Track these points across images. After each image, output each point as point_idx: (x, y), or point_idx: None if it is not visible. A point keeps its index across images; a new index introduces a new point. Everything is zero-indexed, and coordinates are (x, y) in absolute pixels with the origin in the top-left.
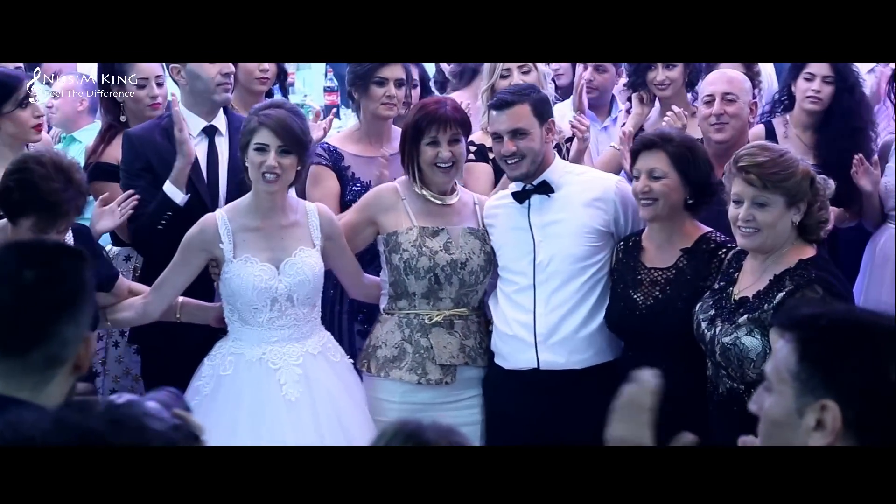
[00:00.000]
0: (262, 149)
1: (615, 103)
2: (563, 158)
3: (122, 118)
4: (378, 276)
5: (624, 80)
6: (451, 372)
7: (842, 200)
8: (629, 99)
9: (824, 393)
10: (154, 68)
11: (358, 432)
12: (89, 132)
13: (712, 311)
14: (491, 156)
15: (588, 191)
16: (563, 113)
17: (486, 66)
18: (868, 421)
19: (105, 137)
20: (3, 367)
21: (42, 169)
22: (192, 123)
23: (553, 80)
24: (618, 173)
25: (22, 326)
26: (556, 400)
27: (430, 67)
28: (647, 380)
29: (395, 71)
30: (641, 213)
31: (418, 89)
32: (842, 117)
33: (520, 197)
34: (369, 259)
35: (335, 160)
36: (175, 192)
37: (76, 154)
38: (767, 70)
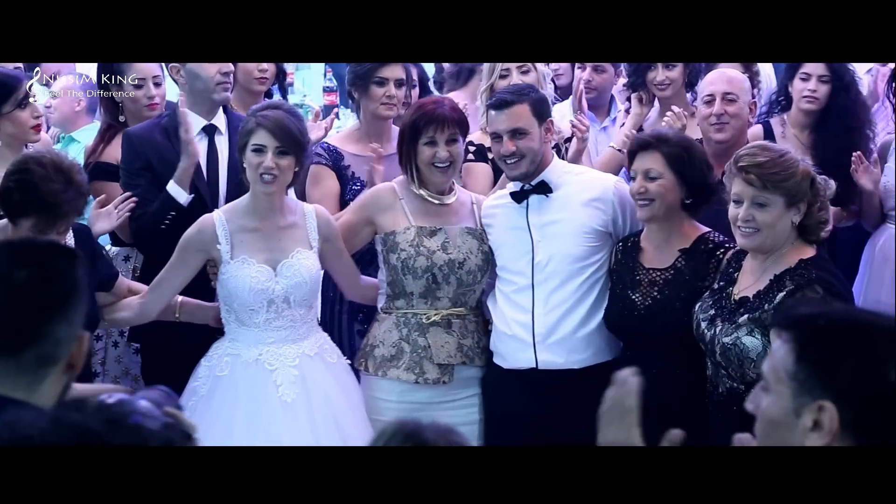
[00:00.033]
0: (259, 150)
1: (614, 103)
2: (562, 159)
3: (121, 118)
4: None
5: (623, 80)
6: (449, 371)
7: (839, 200)
8: (628, 99)
9: (822, 393)
10: (151, 69)
11: (354, 433)
12: (88, 132)
13: (712, 311)
14: (490, 156)
15: (586, 191)
16: (563, 113)
17: (486, 66)
18: (865, 422)
19: (104, 137)
20: None
21: (42, 170)
22: (192, 122)
23: (552, 80)
24: (617, 174)
25: (14, 326)
26: (555, 399)
27: (430, 67)
28: (627, 381)
29: (395, 71)
30: (638, 213)
31: (417, 89)
32: (838, 116)
33: (518, 197)
34: (369, 259)
35: (335, 160)
36: (179, 193)
37: (75, 154)
38: (766, 70)
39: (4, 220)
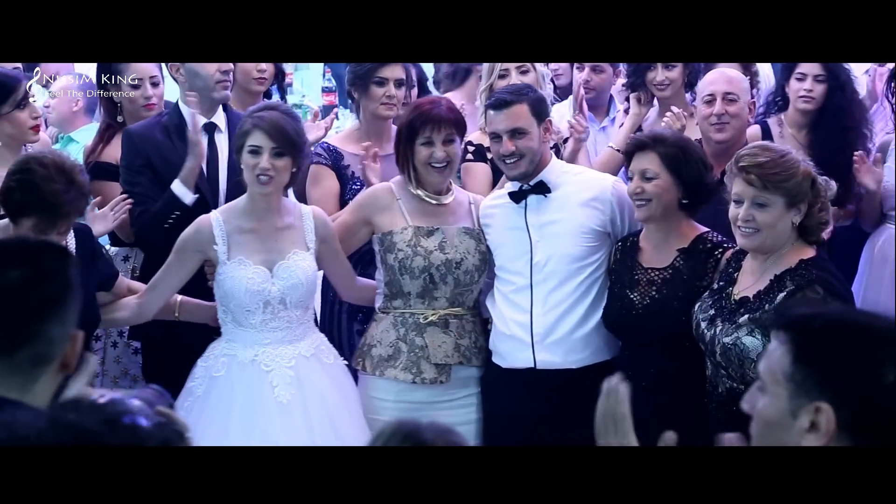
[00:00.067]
0: (255, 151)
1: (613, 103)
2: (560, 159)
3: (119, 118)
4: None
5: (622, 80)
6: (446, 371)
7: (836, 199)
8: (627, 99)
9: (818, 395)
10: (149, 69)
11: (350, 434)
12: (87, 132)
13: (712, 311)
14: (489, 156)
15: (585, 191)
16: (563, 113)
17: (485, 66)
18: (862, 423)
19: (104, 137)
20: None
21: (44, 170)
22: (199, 122)
23: (552, 80)
24: (616, 174)
25: (7, 326)
26: (554, 399)
27: (430, 67)
28: (618, 389)
29: (395, 71)
30: (636, 213)
31: (416, 89)
32: (834, 116)
33: (516, 197)
34: (369, 259)
35: (335, 160)
36: (184, 192)
37: (74, 154)
38: (765, 70)
39: (6, 220)
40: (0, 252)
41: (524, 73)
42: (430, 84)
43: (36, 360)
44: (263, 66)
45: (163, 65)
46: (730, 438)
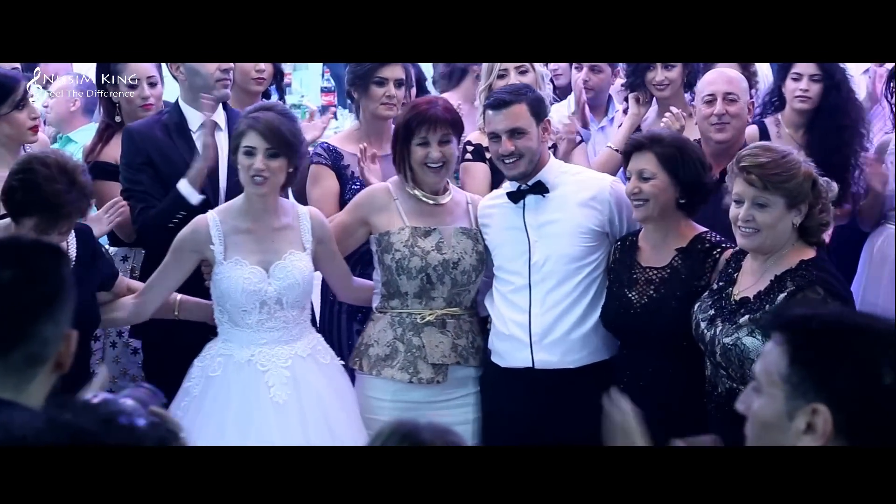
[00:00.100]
0: (250, 152)
1: (612, 104)
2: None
3: (117, 118)
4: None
5: (621, 80)
6: (443, 371)
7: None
8: (626, 99)
9: (815, 397)
10: (147, 69)
11: (346, 435)
12: (85, 133)
13: (712, 311)
14: (488, 155)
15: (583, 191)
16: (562, 114)
17: (484, 66)
18: (859, 424)
19: (103, 137)
20: None
21: (46, 170)
22: (192, 118)
23: (551, 80)
24: (615, 174)
25: (1, 327)
26: (552, 398)
27: (429, 67)
28: (622, 405)
29: (395, 71)
30: (634, 214)
31: (414, 89)
32: (829, 115)
33: (515, 197)
34: (369, 259)
35: (335, 160)
36: (191, 193)
37: (73, 154)
38: (764, 70)
39: (7, 220)
40: None
41: (523, 73)
42: (429, 84)
43: (30, 360)
44: (262, 66)
45: (163, 65)
46: (693, 440)
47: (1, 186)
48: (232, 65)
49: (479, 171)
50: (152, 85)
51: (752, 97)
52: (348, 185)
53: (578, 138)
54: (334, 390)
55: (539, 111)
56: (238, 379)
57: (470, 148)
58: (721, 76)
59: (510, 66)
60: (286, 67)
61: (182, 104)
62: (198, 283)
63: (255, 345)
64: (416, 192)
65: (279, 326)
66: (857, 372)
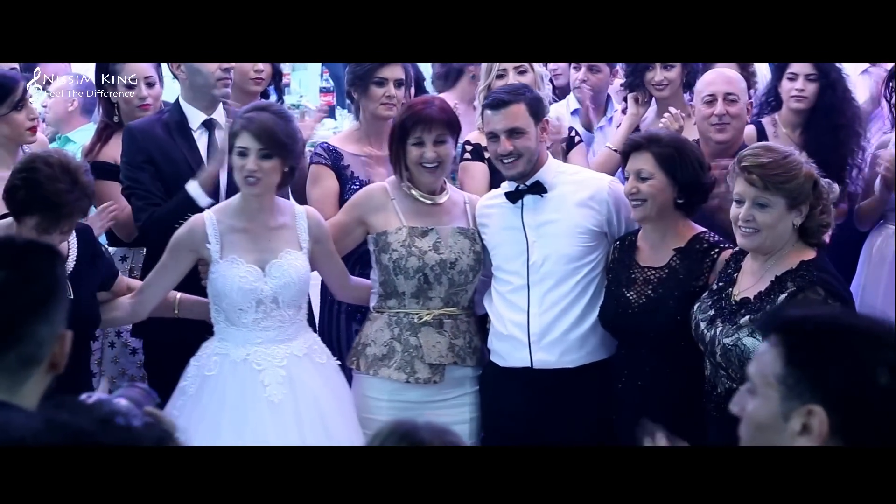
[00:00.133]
0: (242, 153)
1: (611, 104)
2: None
3: (115, 118)
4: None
5: (620, 80)
6: (440, 371)
7: None
8: (625, 99)
9: (811, 398)
10: (145, 69)
11: (342, 434)
12: (84, 133)
13: (712, 312)
14: (486, 155)
15: (581, 191)
16: (561, 114)
17: (483, 66)
18: (855, 425)
19: (101, 136)
20: None
21: (49, 169)
22: (192, 117)
23: (551, 80)
24: (613, 174)
25: None
26: (551, 398)
27: (428, 67)
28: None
29: (394, 71)
30: (632, 214)
31: (413, 89)
32: (825, 114)
33: (513, 197)
34: (367, 259)
35: (335, 160)
36: (200, 195)
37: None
38: (763, 70)
39: (10, 219)
40: None
41: (522, 73)
42: (428, 84)
43: (24, 360)
44: (260, 66)
45: (163, 65)
46: (659, 438)
47: (0, 187)
48: (232, 64)
49: (478, 171)
50: (150, 85)
51: (750, 97)
52: (348, 185)
53: (578, 138)
54: (330, 390)
55: (537, 111)
56: (234, 378)
57: (469, 148)
58: (721, 76)
59: (509, 66)
60: (285, 68)
61: (183, 103)
62: (194, 282)
63: (251, 344)
64: (413, 191)
65: (275, 325)
66: (853, 373)
